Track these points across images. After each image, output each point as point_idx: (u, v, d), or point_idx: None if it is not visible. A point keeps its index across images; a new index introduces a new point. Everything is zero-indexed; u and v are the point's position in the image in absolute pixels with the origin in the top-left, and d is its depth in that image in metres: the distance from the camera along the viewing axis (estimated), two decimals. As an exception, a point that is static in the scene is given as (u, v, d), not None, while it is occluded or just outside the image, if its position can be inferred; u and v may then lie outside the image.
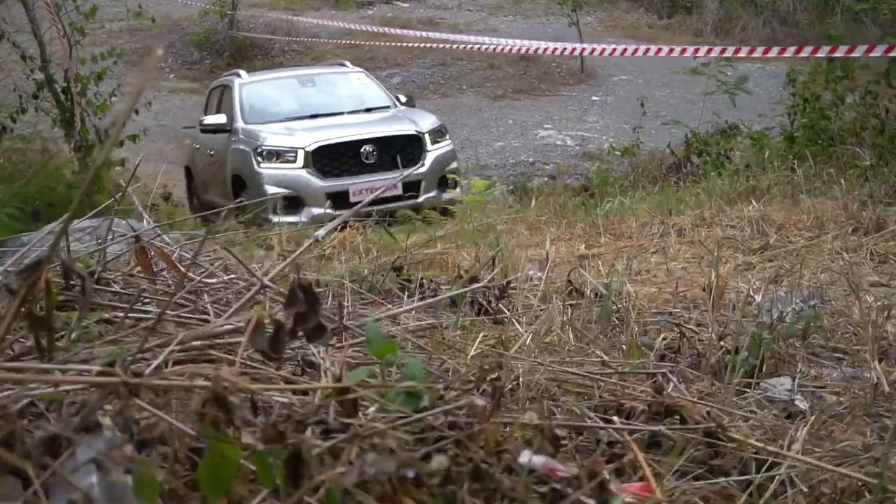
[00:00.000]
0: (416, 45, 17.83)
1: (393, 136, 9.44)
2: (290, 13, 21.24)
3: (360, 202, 8.69)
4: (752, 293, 2.80)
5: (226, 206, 10.00)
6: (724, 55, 10.16)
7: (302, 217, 8.74)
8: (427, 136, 9.51)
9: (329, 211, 8.64)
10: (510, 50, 11.47)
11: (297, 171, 9.09)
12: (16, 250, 5.91)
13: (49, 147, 11.12)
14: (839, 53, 8.43)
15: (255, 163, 9.22)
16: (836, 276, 3.03)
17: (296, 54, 19.47)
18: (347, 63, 11.77)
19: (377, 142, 9.27)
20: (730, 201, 7.33)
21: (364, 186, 9.01)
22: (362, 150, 9.18)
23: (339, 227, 5.71)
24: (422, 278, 2.49)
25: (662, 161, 11.45)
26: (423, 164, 9.31)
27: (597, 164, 12.74)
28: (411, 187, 9.23)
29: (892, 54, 8.65)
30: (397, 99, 10.76)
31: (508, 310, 2.26)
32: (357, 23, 20.35)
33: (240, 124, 9.97)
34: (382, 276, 2.56)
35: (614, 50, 9.57)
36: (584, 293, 2.46)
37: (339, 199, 8.86)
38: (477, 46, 12.48)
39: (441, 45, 14.78)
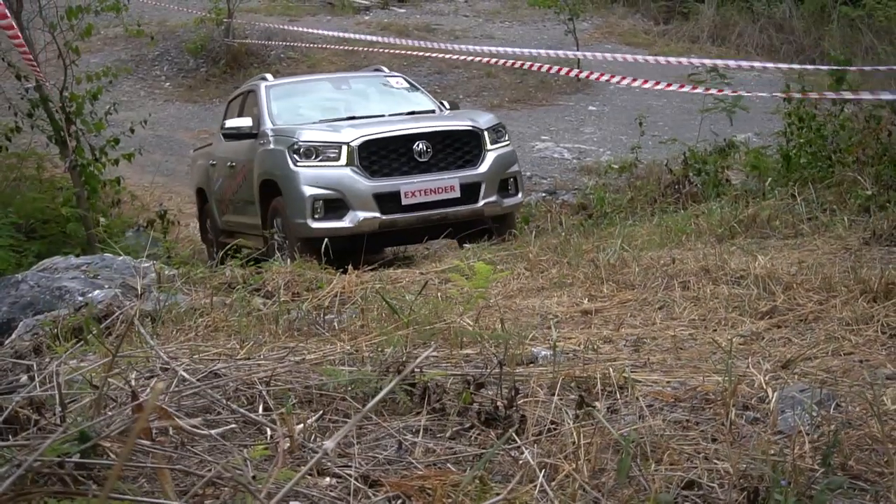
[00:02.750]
0: (413, 52, 17.75)
1: (449, 132, 8.34)
2: (287, 19, 21.17)
3: (412, 205, 7.92)
4: (763, 385, 2.75)
5: (249, 224, 9.22)
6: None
7: (346, 222, 7.82)
8: (486, 134, 8.43)
9: (377, 215, 7.82)
10: (507, 63, 11.21)
11: (340, 169, 7.91)
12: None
13: (44, 164, 11.08)
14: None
15: (290, 162, 8.01)
16: (851, 364, 2.98)
17: (292, 62, 19.41)
18: (384, 68, 10.92)
19: (431, 137, 8.15)
20: (731, 234, 7.30)
21: (417, 187, 7.94)
22: (415, 146, 8.05)
23: (340, 271, 5.66)
24: (426, 382, 2.42)
25: (660, 178, 11.39)
26: (483, 164, 8.29)
27: (594, 180, 12.68)
28: (470, 190, 8.16)
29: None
30: (441, 104, 9.74)
31: (517, 430, 2.19)
32: (353, 29, 20.29)
33: (268, 126, 8.85)
34: (385, 376, 2.49)
35: (612, 76, 9.41)
36: (596, 405, 2.40)
37: (389, 202, 7.90)
38: (472, 58, 12.37)
39: (439, 55, 14.68)
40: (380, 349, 3.02)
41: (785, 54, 20.30)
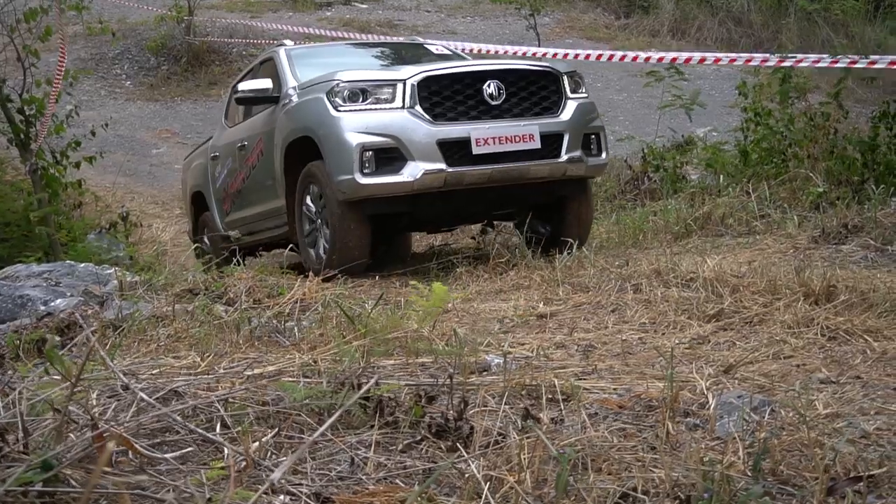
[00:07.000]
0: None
1: (524, 71, 6.99)
2: (248, 15, 21.12)
3: (484, 155, 6.56)
4: (704, 390, 2.87)
5: (264, 212, 7.87)
6: (675, 62, 10.28)
7: (404, 176, 6.45)
8: (565, 79, 7.07)
9: (443, 167, 6.46)
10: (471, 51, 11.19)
11: (395, 112, 6.53)
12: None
13: (4, 168, 11.03)
14: (788, 63, 8.57)
15: (329, 107, 6.64)
16: (789, 368, 3.11)
17: (254, 59, 19.36)
18: (419, 38, 10.11)
19: (504, 76, 6.81)
20: (687, 232, 7.46)
21: (491, 134, 6.56)
22: (486, 86, 6.69)
23: (303, 276, 5.73)
24: (381, 396, 2.52)
25: (620, 174, 11.54)
26: (564, 112, 6.94)
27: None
28: (551, 142, 6.77)
29: (842, 65, 8.85)
30: None
31: (465, 441, 2.30)
32: (315, 25, 20.27)
33: (293, 85, 7.52)
34: (340, 391, 2.57)
35: (571, 55, 9.45)
36: (541, 416, 2.50)
37: (457, 152, 6.52)
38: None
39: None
40: (337, 360, 3.12)
41: (744, 48, 20.58)
